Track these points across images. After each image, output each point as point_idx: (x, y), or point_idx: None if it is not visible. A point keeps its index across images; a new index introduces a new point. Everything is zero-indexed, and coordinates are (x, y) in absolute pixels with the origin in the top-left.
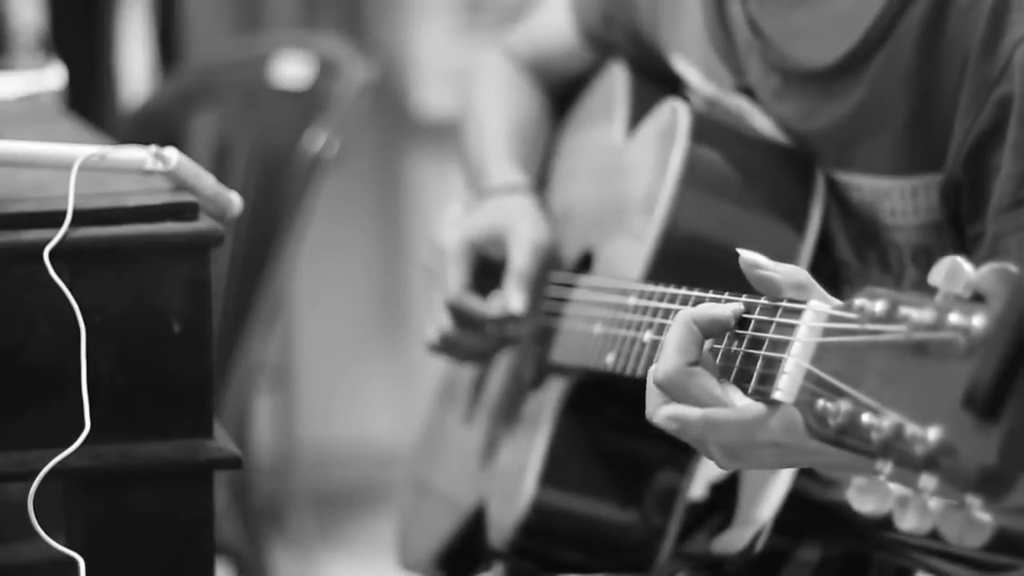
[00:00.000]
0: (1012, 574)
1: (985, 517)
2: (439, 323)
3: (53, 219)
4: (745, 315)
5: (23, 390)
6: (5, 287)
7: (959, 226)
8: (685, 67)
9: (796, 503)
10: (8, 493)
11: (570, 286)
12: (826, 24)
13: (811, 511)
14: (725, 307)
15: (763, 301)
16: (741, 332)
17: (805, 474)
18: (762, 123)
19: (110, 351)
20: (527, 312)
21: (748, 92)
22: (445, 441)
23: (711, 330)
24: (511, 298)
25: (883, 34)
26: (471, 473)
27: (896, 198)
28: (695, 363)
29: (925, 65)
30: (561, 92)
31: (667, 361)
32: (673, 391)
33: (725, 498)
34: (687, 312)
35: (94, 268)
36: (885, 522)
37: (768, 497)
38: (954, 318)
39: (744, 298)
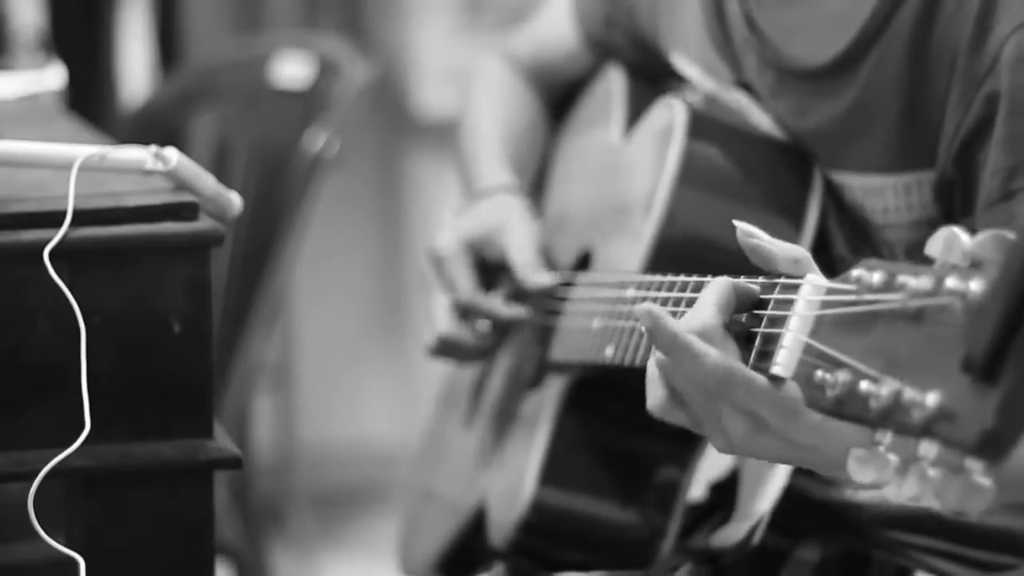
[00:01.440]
0: (1012, 574)
1: (985, 481)
2: (440, 327)
3: (53, 219)
4: None
5: (23, 390)
6: (5, 287)
7: (952, 222)
8: (684, 64)
9: (796, 502)
10: (8, 493)
11: (568, 284)
12: (820, 23)
13: (810, 510)
14: (753, 285)
15: (762, 280)
16: (740, 312)
17: (804, 472)
18: (760, 119)
19: (110, 351)
20: (537, 297)
21: (747, 87)
22: (445, 446)
23: (743, 302)
24: (535, 275)
25: (876, 33)
26: (471, 475)
27: (889, 196)
28: (725, 327)
29: (916, 64)
30: (562, 96)
31: (704, 314)
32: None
33: (725, 498)
34: (728, 279)
35: (94, 268)
36: (885, 521)
37: (766, 490)
38: (951, 283)
39: (743, 279)
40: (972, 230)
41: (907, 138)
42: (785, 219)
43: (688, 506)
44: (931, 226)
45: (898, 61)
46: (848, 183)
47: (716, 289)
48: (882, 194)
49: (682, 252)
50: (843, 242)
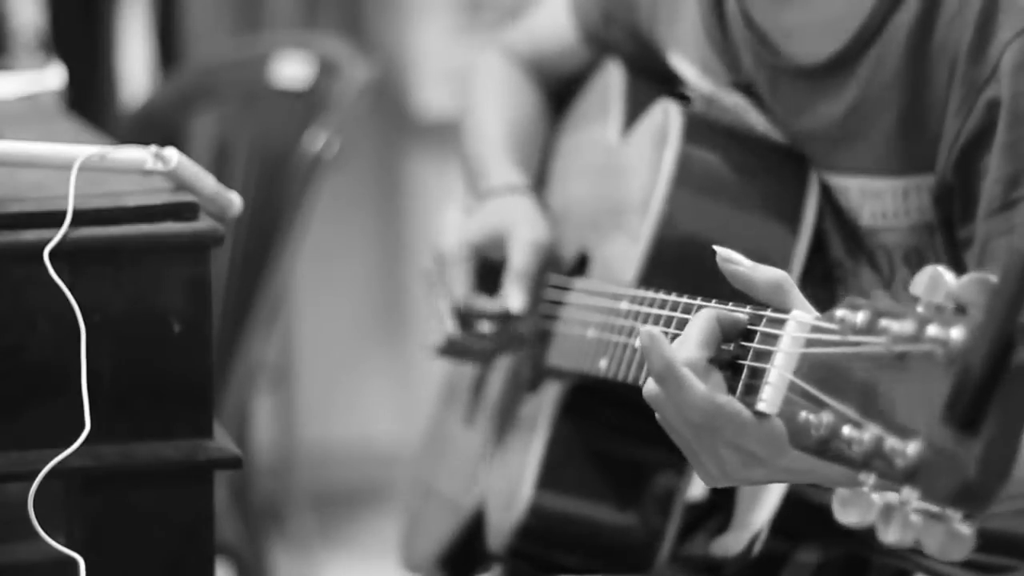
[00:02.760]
0: (1011, 575)
1: (966, 530)
2: (443, 327)
3: (53, 219)
4: None
5: (23, 390)
6: (5, 287)
7: (951, 228)
8: (682, 64)
9: (795, 505)
10: (8, 493)
11: (565, 289)
12: (819, 22)
13: (810, 513)
14: (740, 314)
15: (748, 311)
16: (728, 342)
17: None
18: (757, 120)
19: (110, 351)
20: (526, 311)
21: (744, 89)
22: (446, 444)
23: (729, 333)
24: (510, 297)
25: (873, 34)
26: (471, 475)
27: (888, 199)
28: (712, 360)
29: (915, 66)
30: (559, 90)
31: (687, 349)
32: None
33: (724, 499)
34: (713, 310)
35: (94, 268)
36: None
37: (765, 500)
38: (933, 330)
39: (730, 307)
40: (958, 244)
41: (906, 141)
42: (782, 222)
43: (687, 505)
44: (929, 231)
45: (897, 62)
46: (846, 186)
47: (700, 323)
48: (880, 198)
49: (678, 255)
50: (840, 245)
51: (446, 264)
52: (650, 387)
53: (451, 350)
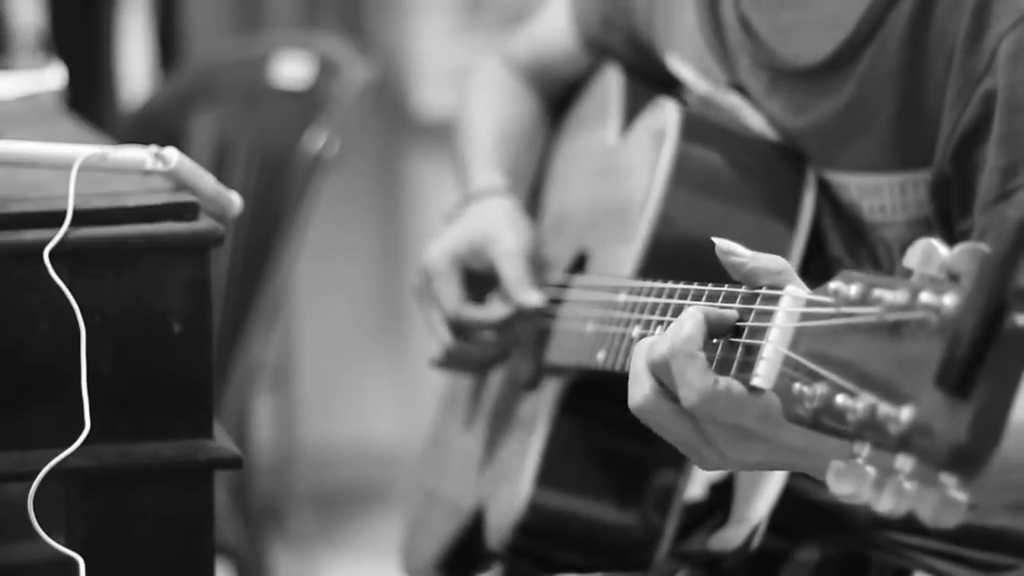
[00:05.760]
0: (1011, 574)
1: (960, 496)
2: (440, 339)
3: (53, 219)
4: None
5: (23, 390)
6: (5, 287)
7: (949, 222)
8: (680, 66)
9: (795, 503)
10: (8, 493)
11: (564, 287)
12: (815, 23)
13: (809, 511)
14: (731, 311)
15: (743, 290)
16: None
17: (801, 473)
18: (754, 120)
19: (110, 351)
20: (541, 305)
21: (741, 89)
22: (446, 446)
23: (717, 330)
24: (526, 296)
25: (871, 31)
26: (471, 476)
27: (885, 194)
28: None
29: (912, 61)
30: (561, 96)
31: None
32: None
33: (723, 497)
34: (699, 308)
35: (94, 268)
36: (883, 521)
37: (763, 494)
38: (926, 297)
39: (726, 288)
40: (957, 237)
41: (904, 137)
42: (779, 220)
43: (687, 505)
44: (927, 225)
45: (894, 58)
46: (843, 182)
47: (686, 321)
48: (878, 193)
49: (675, 254)
50: (838, 243)
51: (432, 278)
52: (639, 389)
53: (451, 361)
